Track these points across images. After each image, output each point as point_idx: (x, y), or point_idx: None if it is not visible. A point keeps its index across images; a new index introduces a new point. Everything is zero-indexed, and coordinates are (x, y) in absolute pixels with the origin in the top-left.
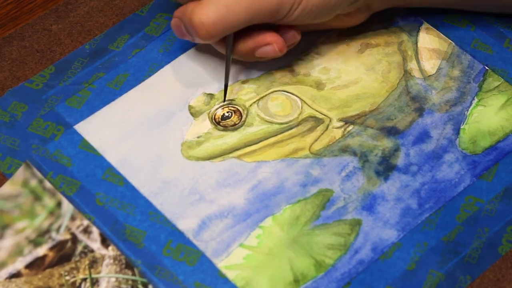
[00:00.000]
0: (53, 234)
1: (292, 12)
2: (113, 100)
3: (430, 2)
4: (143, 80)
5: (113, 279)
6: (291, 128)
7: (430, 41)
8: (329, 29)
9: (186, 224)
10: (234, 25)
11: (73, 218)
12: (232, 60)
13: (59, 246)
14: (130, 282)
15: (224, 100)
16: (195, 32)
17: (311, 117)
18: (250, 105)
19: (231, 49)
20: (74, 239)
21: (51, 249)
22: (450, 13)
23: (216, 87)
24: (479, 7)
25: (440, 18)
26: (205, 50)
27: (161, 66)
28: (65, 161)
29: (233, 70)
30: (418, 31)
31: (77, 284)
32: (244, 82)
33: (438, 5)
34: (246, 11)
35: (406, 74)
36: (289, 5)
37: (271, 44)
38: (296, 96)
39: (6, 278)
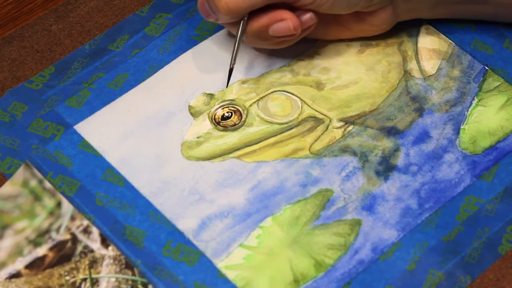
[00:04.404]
0: (53, 234)
1: None
2: (113, 100)
3: (456, 14)
4: (143, 80)
5: (113, 279)
6: (291, 128)
7: (430, 41)
8: (353, 37)
9: (186, 224)
10: (254, 1)
11: (73, 218)
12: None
13: (59, 246)
14: (130, 282)
15: (227, 86)
16: (216, 7)
17: (311, 117)
18: (250, 105)
19: (244, 29)
20: (74, 239)
21: (51, 249)
22: None
23: (216, 87)
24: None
25: (440, 18)
26: (205, 50)
27: (161, 66)
28: (65, 161)
29: (233, 69)
30: (418, 31)
31: (77, 284)
32: (244, 82)
33: (466, 17)
34: None
35: (406, 74)
36: None
37: (285, 20)
38: (296, 96)
39: (6, 278)
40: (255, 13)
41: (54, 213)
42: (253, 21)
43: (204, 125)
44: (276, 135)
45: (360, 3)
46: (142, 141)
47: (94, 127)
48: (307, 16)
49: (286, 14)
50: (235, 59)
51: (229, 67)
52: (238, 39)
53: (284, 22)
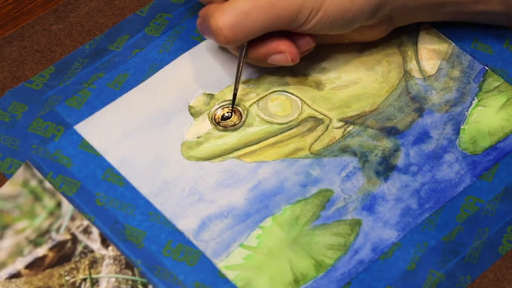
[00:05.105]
0: (53, 235)
1: (309, 20)
2: (113, 100)
3: (456, 18)
4: (143, 80)
5: (113, 279)
6: (291, 128)
7: (430, 41)
8: (350, 42)
9: (186, 224)
10: (252, 32)
11: (73, 219)
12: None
13: (59, 247)
14: (130, 282)
15: (232, 108)
16: (213, 36)
17: (311, 117)
18: (250, 105)
19: (245, 55)
20: (74, 240)
21: (51, 249)
22: None
23: (216, 87)
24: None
25: None
26: (205, 50)
27: (161, 66)
28: (65, 161)
29: (233, 69)
30: (418, 31)
31: (77, 284)
32: (244, 82)
33: (464, 20)
34: (264, 18)
35: (406, 74)
36: (306, 13)
37: (283, 52)
38: (296, 96)
39: (6, 279)
40: (254, 40)
41: (54, 213)
42: (252, 49)
43: (204, 125)
44: (276, 135)
45: (358, 23)
46: (142, 141)
47: (94, 127)
48: (305, 41)
49: (285, 46)
50: (238, 84)
51: (233, 92)
52: (239, 66)
53: (282, 55)
